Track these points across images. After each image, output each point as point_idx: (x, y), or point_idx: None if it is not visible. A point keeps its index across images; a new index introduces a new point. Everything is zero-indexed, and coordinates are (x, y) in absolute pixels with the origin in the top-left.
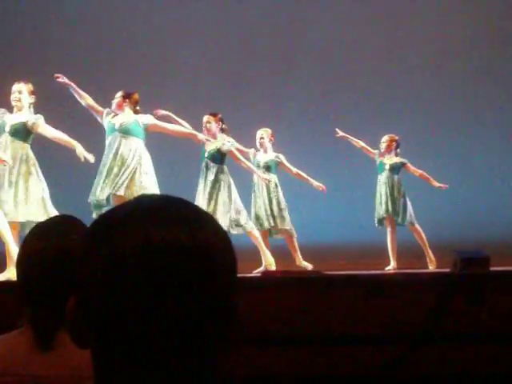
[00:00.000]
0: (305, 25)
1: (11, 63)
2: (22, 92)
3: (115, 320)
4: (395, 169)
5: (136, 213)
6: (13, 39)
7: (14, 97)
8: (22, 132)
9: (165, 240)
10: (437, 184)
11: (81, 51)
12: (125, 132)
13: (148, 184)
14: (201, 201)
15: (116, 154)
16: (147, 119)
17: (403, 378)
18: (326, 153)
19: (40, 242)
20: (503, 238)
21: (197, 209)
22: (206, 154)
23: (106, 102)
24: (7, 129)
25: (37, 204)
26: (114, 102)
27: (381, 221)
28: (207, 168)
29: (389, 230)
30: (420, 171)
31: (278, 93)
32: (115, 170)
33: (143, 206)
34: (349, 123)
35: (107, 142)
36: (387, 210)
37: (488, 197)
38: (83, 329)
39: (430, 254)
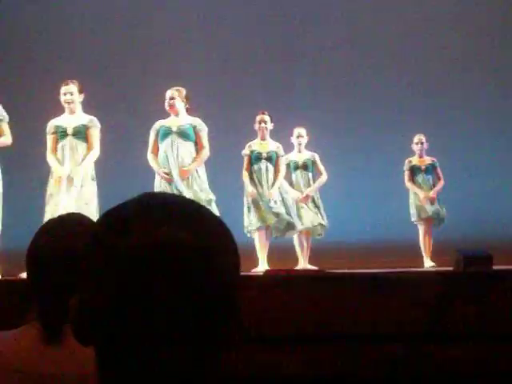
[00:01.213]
0: (313, 18)
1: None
2: (73, 93)
3: (116, 318)
4: (429, 169)
5: (138, 212)
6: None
7: (66, 98)
8: (84, 134)
9: (166, 239)
10: (431, 194)
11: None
12: (182, 135)
13: (204, 187)
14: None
15: (177, 157)
16: (199, 124)
17: (404, 377)
18: (344, 150)
19: (49, 238)
20: (506, 236)
21: (200, 208)
22: (265, 155)
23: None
24: (70, 131)
25: (86, 208)
26: (170, 103)
27: (420, 220)
28: (267, 170)
29: (423, 228)
30: (441, 182)
31: (287, 88)
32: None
33: (146, 204)
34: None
35: (163, 148)
36: (428, 211)
37: (491, 194)
38: (85, 326)
39: (428, 258)
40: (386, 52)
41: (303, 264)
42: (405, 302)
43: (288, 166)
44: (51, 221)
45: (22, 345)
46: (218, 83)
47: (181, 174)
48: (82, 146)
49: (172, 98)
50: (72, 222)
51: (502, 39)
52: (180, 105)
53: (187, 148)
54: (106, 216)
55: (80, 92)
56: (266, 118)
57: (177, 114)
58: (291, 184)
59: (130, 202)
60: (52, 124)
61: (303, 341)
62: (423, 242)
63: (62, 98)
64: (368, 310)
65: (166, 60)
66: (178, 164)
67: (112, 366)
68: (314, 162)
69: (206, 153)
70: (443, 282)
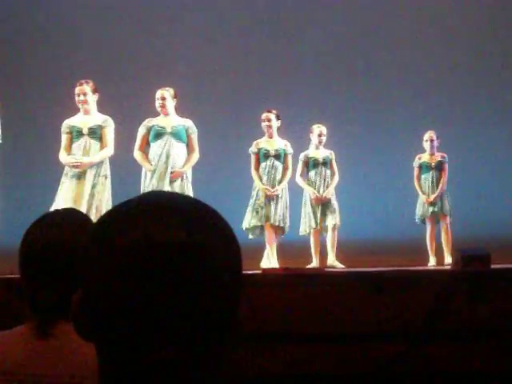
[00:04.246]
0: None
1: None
2: (87, 94)
3: (115, 315)
4: (438, 167)
5: (136, 210)
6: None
7: (79, 99)
8: (99, 134)
9: (161, 238)
10: (431, 199)
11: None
12: (176, 136)
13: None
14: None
15: (168, 157)
16: (191, 127)
17: (404, 376)
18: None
19: (42, 232)
20: (504, 235)
21: (200, 207)
22: (273, 153)
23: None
24: (86, 131)
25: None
26: (161, 103)
27: (424, 219)
28: (274, 167)
29: (430, 226)
30: (443, 179)
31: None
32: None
33: (145, 203)
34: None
35: (155, 147)
36: (434, 209)
37: (489, 193)
38: (87, 322)
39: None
40: (391, 49)
41: (330, 260)
42: (404, 301)
43: (306, 163)
44: (45, 215)
45: (13, 345)
46: (216, 82)
47: (173, 176)
48: (96, 146)
49: (163, 99)
50: (66, 216)
51: None
52: (171, 105)
53: (180, 149)
54: (108, 214)
55: (94, 92)
56: (271, 116)
57: (167, 114)
58: (309, 181)
59: (132, 200)
60: (67, 123)
61: (302, 339)
62: (429, 240)
63: (76, 99)
64: (368, 308)
65: (164, 59)
66: (170, 165)
67: (112, 363)
68: (330, 160)
69: (196, 155)
70: (442, 281)
